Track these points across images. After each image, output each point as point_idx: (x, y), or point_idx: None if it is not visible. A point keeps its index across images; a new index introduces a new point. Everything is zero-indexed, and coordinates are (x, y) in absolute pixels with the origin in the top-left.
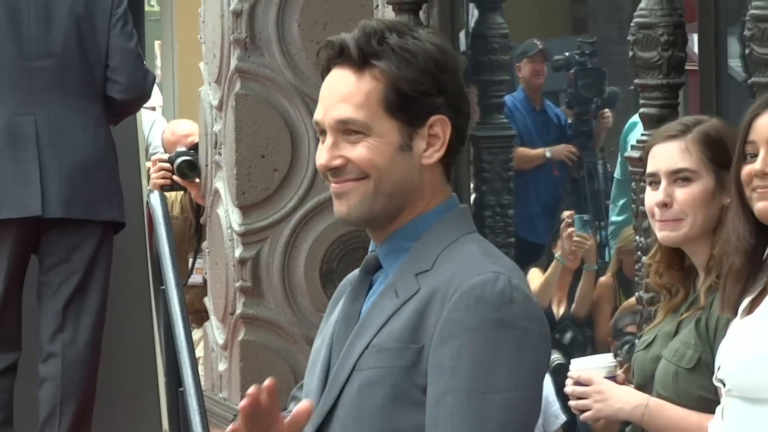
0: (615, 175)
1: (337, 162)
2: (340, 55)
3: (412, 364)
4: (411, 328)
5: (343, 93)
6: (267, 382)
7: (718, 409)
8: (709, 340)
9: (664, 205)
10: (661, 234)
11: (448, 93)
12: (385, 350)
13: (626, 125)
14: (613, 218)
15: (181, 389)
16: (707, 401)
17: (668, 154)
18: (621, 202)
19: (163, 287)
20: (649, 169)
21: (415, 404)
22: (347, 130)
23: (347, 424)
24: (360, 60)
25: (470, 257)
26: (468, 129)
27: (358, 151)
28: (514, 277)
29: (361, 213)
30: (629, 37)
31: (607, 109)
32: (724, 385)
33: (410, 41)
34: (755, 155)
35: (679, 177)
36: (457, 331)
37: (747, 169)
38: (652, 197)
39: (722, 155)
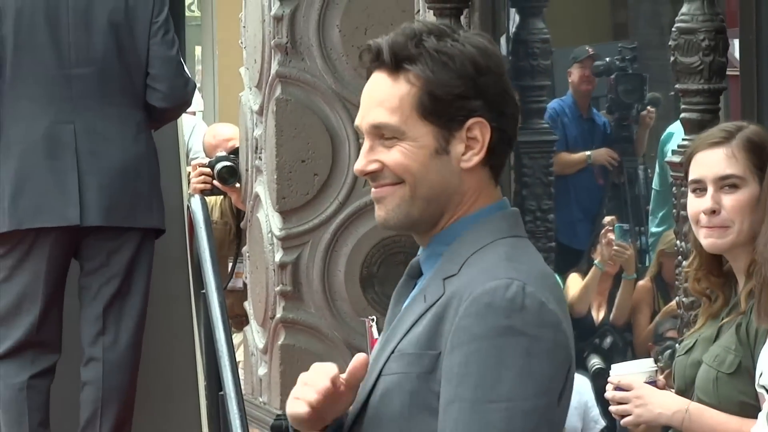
0: (653, 186)
1: (373, 167)
2: (377, 59)
3: (429, 371)
4: (430, 333)
5: (378, 97)
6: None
7: (761, 415)
8: (750, 345)
9: (713, 212)
10: (707, 241)
11: (488, 95)
12: (406, 355)
13: (663, 135)
14: (653, 229)
15: (222, 393)
16: (749, 406)
17: (714, 161)
18: (660, 213)
19: (203, 291)
20: (694, 176)
21: (433, 411)
22: (382, 134)
23: (370, 430)
24: (393, 64)
25: (492, 262)
26: (515, 131)
27: (393, 156)
28: (531, 284)
29: (399, 218)
30: (670, 42)
31: (650, 107)
32: (767, 391)
33: (449, 43)
34: None
35: (726, 184)
36: (465, 339)
37: None
38: (697, 204)
39: (765, 161)
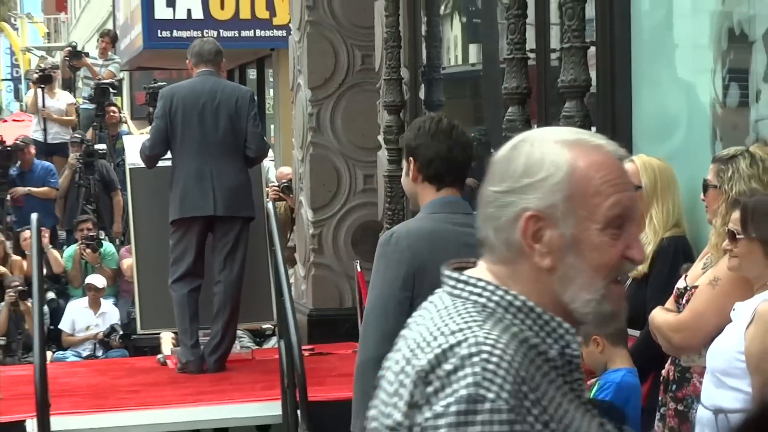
0: None
1: None
2: None
3: None
4: None
5: None
6: None
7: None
8: None
9: None
10: None
11: (416, 146)
12: None
13: None
14: None
15: (282, 298)
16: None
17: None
18: None
19: (273, 248)
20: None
21: None
22: None
23: None
24: None
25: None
26: (432, 164)
27: None
28: (397, 232)
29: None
30: None
31: None
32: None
33: (414, 124)
34: None
35: None
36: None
37: None
38: None
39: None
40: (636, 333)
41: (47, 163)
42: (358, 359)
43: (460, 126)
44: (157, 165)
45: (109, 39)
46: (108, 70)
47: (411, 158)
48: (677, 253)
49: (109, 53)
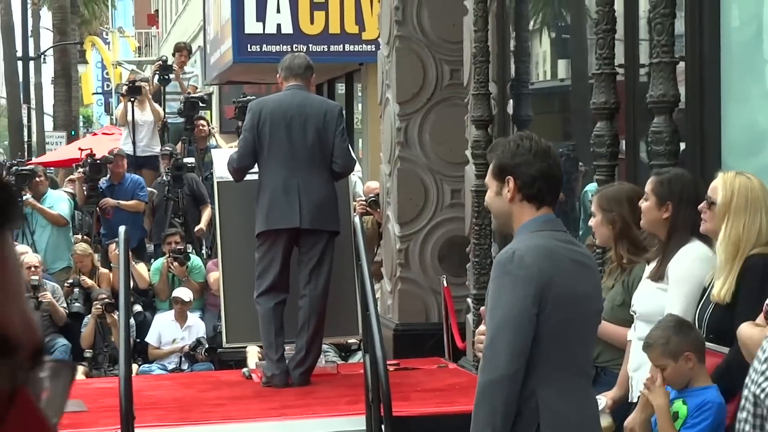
0: (581, 218)
1: None
2: None
3: None
4: None
5: None
6: None
7: (632, 325)
8: (629, 291)
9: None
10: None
11: (516, 165)
12: None
13: (582, 192)
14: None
15: (368, 313)
16: (628, 322)
17: None
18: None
19: (359, 262)
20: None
21: None
22: None
23: None
24: None
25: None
26: (533, 182)
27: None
28: (521, 249)
29: (494, 225)
30: (592, 140)
31: (581, 164)
32: (635, 313)
33: (505, 142)
34: None
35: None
36: (491, 278)
37: None
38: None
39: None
40: (721, 349)
41: (137, 177)
42: (485, 377)
43: (553, 146)
44: (245, 179)
45: (187, 52)
46: (191, 84)
47: (510, 177)
48: (767, 269)
49: (185, 67)
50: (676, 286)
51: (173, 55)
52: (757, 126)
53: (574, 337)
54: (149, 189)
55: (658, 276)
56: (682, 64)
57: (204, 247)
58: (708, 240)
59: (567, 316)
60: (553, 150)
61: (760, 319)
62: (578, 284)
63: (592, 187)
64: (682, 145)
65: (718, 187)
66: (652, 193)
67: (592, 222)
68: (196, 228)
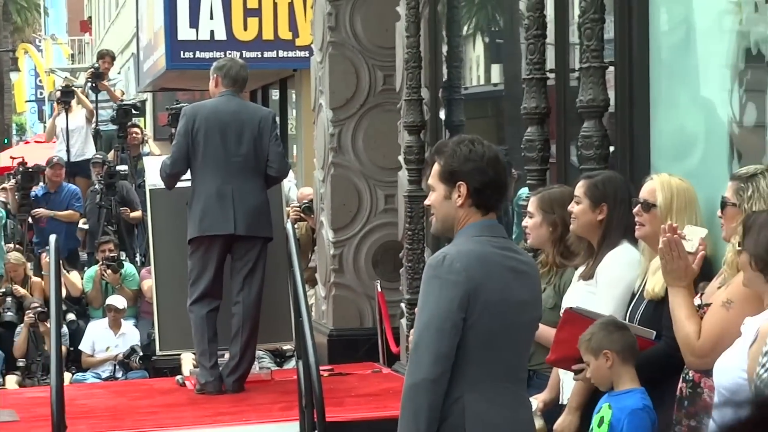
0: (514, 222)
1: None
2: None
3: None
4: None
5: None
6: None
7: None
8: (560, 294)
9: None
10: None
11: (468, 171)
12: None
13: (515, 196)
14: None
15: (301, 319)
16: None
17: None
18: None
19: (292, 268)
20: None
21: None
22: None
23: None
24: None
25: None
26: (487, 188)
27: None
28: (452, 254)
29: (433, 228)
30: (522, 145)
31: (514, 170)
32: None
33: (455, 145)
34: None
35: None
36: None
37: None
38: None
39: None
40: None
41: (74, 187)
42: (409, 380)
43: (501, 152)
44: (177, 186)
45: (110, 59)
46: (119, 89)
47: (462, 183)
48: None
49: (109, 74)
50: (607, 289)
51: (97, 61)
52: (685, 130)
53: (506, 345)
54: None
55: (589, 276)
56: (612, 69)
57: (138, 255)
58: (635, 242)
59: (498, 323)
60: (501, 156)
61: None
62: (512, 292)
63: (524, 191)
64: (612, 149)
65: (657, 189)
66: (585, 196)
67: (527, 223)
68: (132, 214)
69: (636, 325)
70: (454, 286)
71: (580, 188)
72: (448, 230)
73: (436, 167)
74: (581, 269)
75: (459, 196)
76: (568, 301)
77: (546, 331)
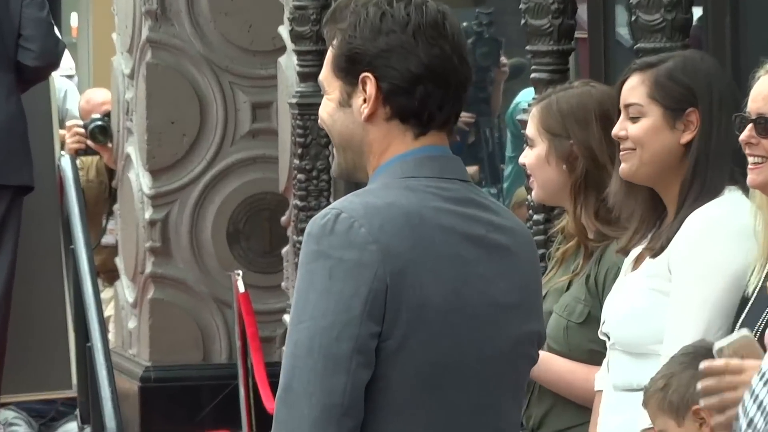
0: (507, 153)
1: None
2: None
3: None
4: None
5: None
6: None
7: (604, 361)
8: (598, 294)
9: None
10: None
11: (380, 53)
12: None
13: (510, 107)
14: (507, 185)
15: (89, 344)
16: (597, 354)
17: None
18: (512, 172)
19: (72, 246)
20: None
21: None
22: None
23: None
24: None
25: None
26: (416, 86)
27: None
28: (350, 211)
29: (334, 167)
30: (521, 6)
31: (504, 59)
32: (608, 338)
33: (365, 8)
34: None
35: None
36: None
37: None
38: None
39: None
40: None
41: None
42: None
43: (452, 14)
44: None
45: None
46: None
47: (368, 74)
48: None
49: None
50: (693, 280)
51: None
52: None
53: (467, 386)
54: None
55: (656, 253)
56: None
57: None
58: (746, 190)
59: (448, 345)
60: (452, 20)
61: None
62: (477, 285)
63: (525, 97)
64: (699, 13)
65: None
66: (651, 100)
67: (526, 158)
68: None
69: (757, 344)
70: (355, 270)
71: (639, 86)
72: (352, 167)
73: (329, 51)
74: (637, 249)
75: (365, 99)
76: (614, 307)
77: (567, 370)
